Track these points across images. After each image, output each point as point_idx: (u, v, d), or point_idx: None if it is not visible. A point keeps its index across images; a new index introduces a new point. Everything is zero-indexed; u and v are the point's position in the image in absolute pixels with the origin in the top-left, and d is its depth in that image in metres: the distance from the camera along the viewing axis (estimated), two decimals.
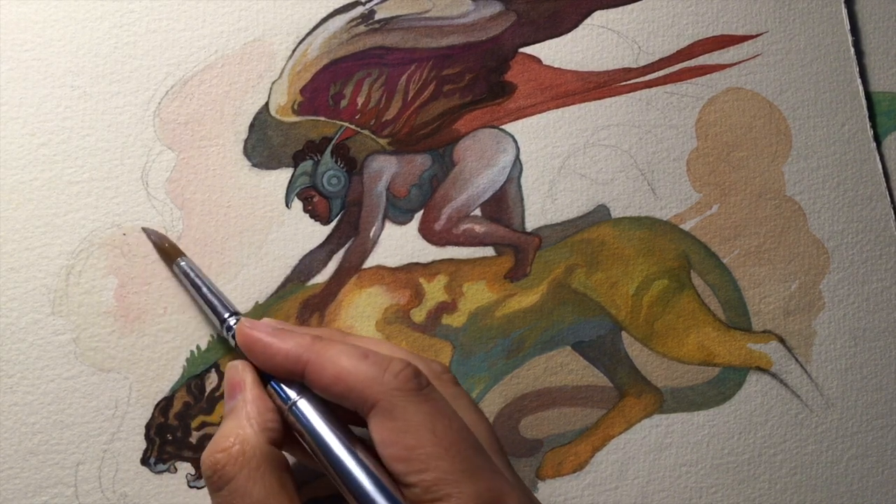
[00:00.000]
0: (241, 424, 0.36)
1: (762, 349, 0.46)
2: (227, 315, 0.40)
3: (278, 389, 0.37)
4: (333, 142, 0.45)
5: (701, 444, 0.45)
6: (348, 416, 0.37)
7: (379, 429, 0.35)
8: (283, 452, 0.36)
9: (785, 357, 0.46)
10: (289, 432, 0.37)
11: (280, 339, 0.37)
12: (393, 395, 0.35)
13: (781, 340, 0.46)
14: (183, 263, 0.42)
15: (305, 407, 0.37)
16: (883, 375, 0.47)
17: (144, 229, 0.43)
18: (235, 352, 0.40)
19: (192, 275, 0.42)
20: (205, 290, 0.41)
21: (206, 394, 0.43)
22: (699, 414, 0.46)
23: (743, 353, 0.46)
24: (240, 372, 0.38)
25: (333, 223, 0.45)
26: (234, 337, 0.39)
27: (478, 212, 0.46)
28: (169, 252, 0.43)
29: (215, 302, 0.41)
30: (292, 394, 0.37)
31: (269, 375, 0.38)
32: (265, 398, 0.37)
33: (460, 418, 0.36)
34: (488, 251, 0.46)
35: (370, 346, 0.38)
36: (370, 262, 0.45)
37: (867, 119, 0.49)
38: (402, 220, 0.45)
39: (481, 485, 0.34)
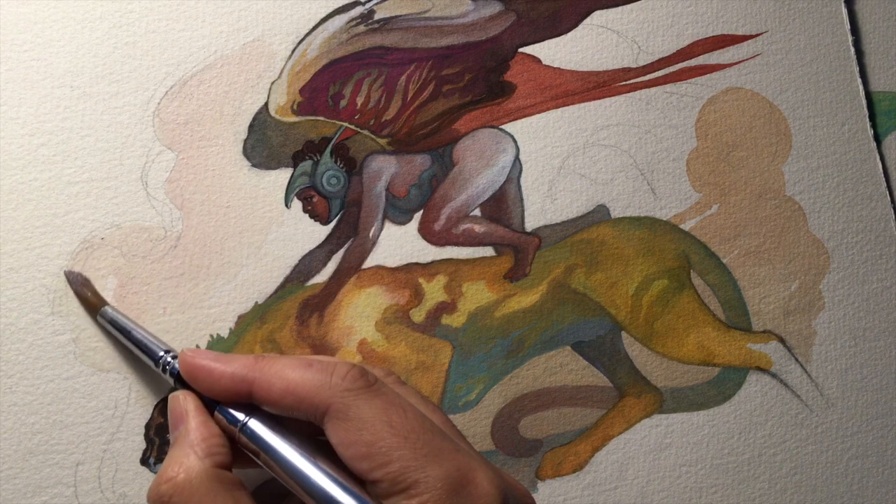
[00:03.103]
0: (186, 453, 0.36)
1: (762, 349, 0.46)
2: (161, 353, 0.40)
3: (226, 414, 0.37)
4: (333, 142, 0.45)
5: (701, 444, 0.45)
6: (302, 431, 0.37)
7: (335, 431, 0.35)
8: (236, 472, 0.36)
9: (785, 357, 0.46)
10: (240, 456, 0.37)
11: (223, 363, 0.37)
12: (344, 396, 0.35)
13: (781, 340, 0.46)
14: (109, 311, 0.42)
15: (256, 426, 0.36)
16: (883, 375, 0.47)
17: (67, 274, 0.42)
18: (176, 388, 0.39)
19: (119, 321, 0.41)
20: (135, 333, 0.41)
21: None
22: (699, 414, 0.45)
23: (743, 353, 0.46)
24: (181, 402, 0.38)
25: (333, 223, 0.45)
26: (171, 374, 0.39)
27: (477, 212, 0.46)
28: (91, 301, 0.42)
29: (148, 342, 0.40)
30: (240, 416, 0.37)
31: (214, 403, 0.37)
32: (209, 424, 0.37)
33: (413, 407, 0.36)
34: (488, 251, 0.46)
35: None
36: (370, 262, 0.45)
37: (867, 119, 0.49)
38: (402, 220, 0.45)
39: (447, 465, 0.34)
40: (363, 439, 0.34)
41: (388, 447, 0.34)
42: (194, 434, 0.36)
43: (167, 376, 0.39)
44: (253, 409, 0.37)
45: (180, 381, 0.38)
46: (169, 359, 0.39)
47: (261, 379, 0.36)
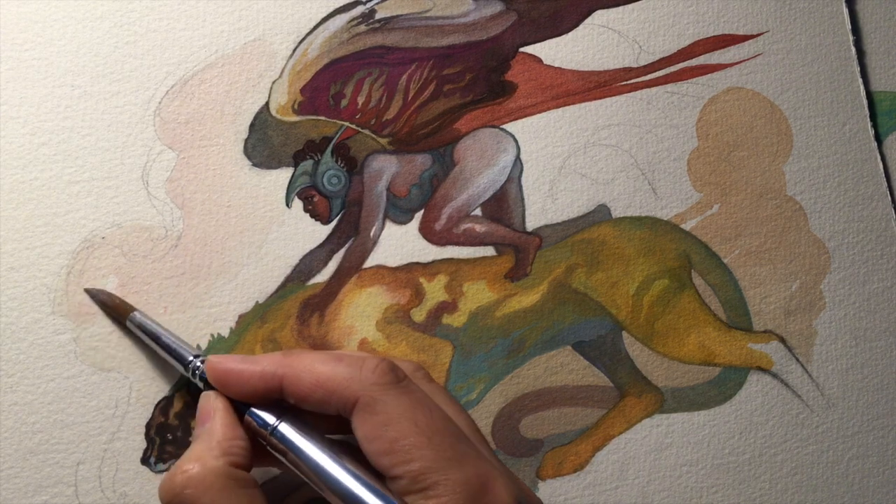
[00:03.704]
0: (205, 448, 0.36)
1: (763, 349, 0.46)
2: (191, 358, 0.40)
3: (257, 418, 0.37)
4: (334, 141, 0.45)
5: (701, 444, 0.45)
6: (331, 433, 0.37)
7: (361, 425, 0.35)
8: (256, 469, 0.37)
9: (786, 357, 0.46)
10: (262, 457, 0.38)
11: (251, 364, 0.37)
12: (372, 390, 0.35)
13: (782, 340, 0.46)
14: (137, 316, 0.42)
15: (287, 429, 0.37)
16: (884, 375, 0.47)
17: (88, 290, 0.42)
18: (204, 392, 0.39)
19: (148, 326, 0.41)
20: (164, 338, 0.41)
21: None
22: (700, 414, 0.45)
23: (743, 353, 0.46)
24: (212, 401, 0.38)
25: (333, 223, 0.45)
26: (201, 378, 0.39)
27: (478, 211, 0.46)
28: (120, 309, 0.42)
29: (176, 347, 0.40)
30: (271, 419, 0.37)
31: (245, 406, 0.38)
32: (234, 426, 0.37)
33: (440, 408, 0.36)
34: (489, 251, 0.46)
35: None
36: (370, 262, 0.45)
37: (868, 118, 0.49)
38: (403, 219, 0.45)
39: (467, 471, 0.34)
40: (388, 435, 0.34)
41: (411, 446, 0.34)
42: (218, 433, 0.36)
43: (197, 380, 0.39)
44: (282, 412, 0.37)
45: (209, 386, 0.39)
46: (198, 363, 0.39)
47: (290, 374, 0.37)
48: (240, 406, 0.38)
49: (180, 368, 0.40)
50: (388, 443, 0.34)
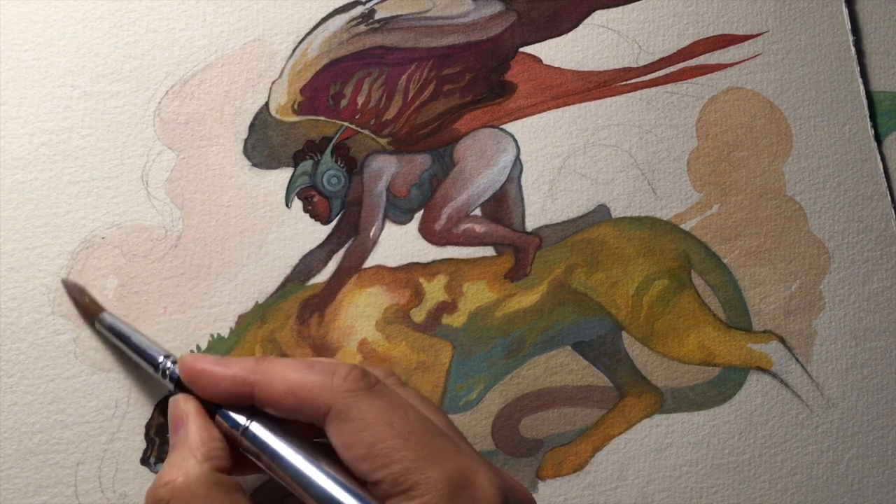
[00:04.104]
0: (185, 456, 0.35)
1: (763, 349, 0.46)
2: (161, 358, 0.39)
3: (227, 418, 0.37)
4: (333, 141, 0.45)
5: (701, 444, 0.45)
6: (303, 434, 0.37)
7: (337, 432, 0.35)
8: (235, 477, 0.36)
9: (785, 357, 0.46)
10: (241, 459, 0.37)
11: (224, 366, 0.37)
12: (345, 397, 0.35)
13: (782, 340, 0.46)
14: (106, 318, 0.41)
15: (258, 429, 0.36)
16: (884, 375, 0.47)
17: (64, 282, 0.42)
18: (175, 393, 0.39)
19: (118, 327, 0.41)
20: (134, 339, 0.40)
21: None
22: (699, 414, 0.45)
23: (743, 353, 0.46)
24: (182, 405, 0.38)
25: (333, 223, 0.45)
26: (171, 379, 0.39)
27: (478, 212, 0.46)
28: (88, 309, 0.42)
29: (146, 348, 0.40)
30: (242, 419, 0.37)
31: (215, 406, 0.37)
32: (210, 428, 0.37)
33: (415, 408, 0.36)
34: (488, 251, 0.46)
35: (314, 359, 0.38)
36: (370, 262, 0.45)
37: (868, 119, 0.49)
38: (402, 219, 0.45)
39: (448, 466, 0.34)
40: (364, 440, 0.34)
41: (389, 448, 0.34)
42: (194, 438, 0.36)
43: (167, 381, 0.39)
44: (254, 412, 0.37)
45: (180, 387, 0.38)
46: (169, 364, 0.39)
47: (262, 381, 0.36)
48: (210, 408, 0.37)
49: (150, 370, 0.40)
50: (366, 447, 0.34)
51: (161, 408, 0.42)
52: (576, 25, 0.48)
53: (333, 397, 0.35)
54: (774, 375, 0.46)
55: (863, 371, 0.47)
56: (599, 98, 0.47)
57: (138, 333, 0.41)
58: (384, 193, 0.45)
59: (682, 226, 0.47)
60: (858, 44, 0.49)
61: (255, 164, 0.45)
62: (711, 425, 0.45)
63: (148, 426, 0.42)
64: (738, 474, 0.45)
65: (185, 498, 0.34)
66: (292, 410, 0.36)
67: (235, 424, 0.37)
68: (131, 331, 0.41)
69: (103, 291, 0.43)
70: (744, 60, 0.48)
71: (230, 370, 0.37)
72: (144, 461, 0.42)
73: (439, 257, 0.45)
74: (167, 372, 0.39)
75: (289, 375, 0.36)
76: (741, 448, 0.45)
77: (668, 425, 0.45)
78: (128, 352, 0.41)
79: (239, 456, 0.37)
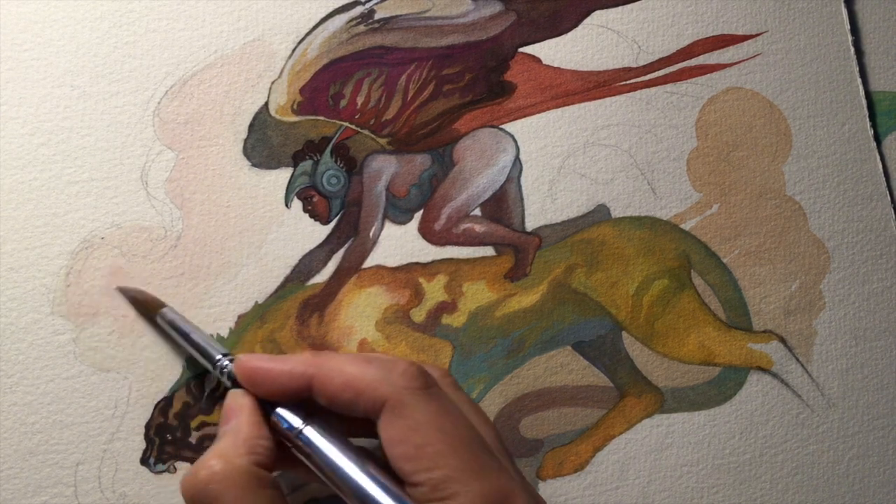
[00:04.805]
0: (229, 445, 0.36)
1: (763, 349, 0.46)
2: (218, 357, 0.40)
3: (283, 419, 0.37)
4: (333, 141, 0.45)
5: (702, 444, 0.45)
6: (354, 435, 0.37)
7: (388, 427, 0.35)
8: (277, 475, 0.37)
9: (786, 357, 0.46)
10: (284, 458, 0.37)
11: (280, 363, 0.37)
12: (401, 393, 0.35)
13: (782, 340, 0.46)
14: (167, 313, 0.42)
15: (312, 433, 0.37)
16: (884, 375, 0.47)
17: (121, 288, 0.42)
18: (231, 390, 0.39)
19: (178, 323, 0.41)
20: (193, 336, 0.41)
21: (206, 394, 0.43)
22: (700, 414, 0.45)
23: (743, 353, 0.46)
24: (239, 399, 0.38)
25: (333, 223, 0.45)
26: (229, 377, 0.39)
27: (478, 211, 0.46)
28: (150, 304, 0.42)
29: (205, 346, 0.40)
30: (298, 422, 0.37)
31: (271, 407, 0.38)
32: (260, 425, 0.37)
33: (466, 417, 0.36)
34: (488, 251, 0.46)
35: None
36: (370, 262, 0.45)
37: (867, 119, 0.49)
38: (402, 219, 0.45)
39: (489, 483, 0.34)
40: (413, 440, 0.34)
41: (435, 453, 0.34)
42: (243, 431, 0.36)
43: (225, 379, 0.39)
44: (308, 416, 0.37)
45: (237, 386, 0.38)
46: (226, 362, 0.39)
47: (320, 374, 0.36)
48: (266, 407, 0.38)
49: (208, 366, 0.40)
50: (413, 448, 0.34)
51: (161, 408, 0.42)
52: (575, 25, 0.48)
53: (390, 392, 0.35)
54: (775, 375, 0.46)
55: (863, 371, 0.47)
56: (599, 98, 0.47)
57: (198, 330, 0.41)
58: (384, 193, 0.45)
59: (682, 226, 0.47)
60: (858, 44, 0.49)
61: (254, 164, 0.45)
62: (712, 425, 0.45)
63: (148, 426, 0.42)
64: (738, 474, 0.45)
65: (223, 484, 0.34)
66: (349, 404, 0.36)
67: (291, 427, 0.37)
68: (191, 327, 0.41)
69: (103, 292, 0.43)
70: (743, 60, 0.48)
71: (287, 365, 0.37)
72: (144, 461, 0.42)
73: (439, 257, 0.45)
74: (224, 371, 0.39)
75: (347, 369, 0.36)
76: (742, 448, 0.45)
77: (668, 425, 0.45)
78: (187, 347, 0.41)
79: (283, 455, 0.37)
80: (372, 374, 0.36)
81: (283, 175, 0.45)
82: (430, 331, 0.45)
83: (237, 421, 0.37)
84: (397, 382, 0.36)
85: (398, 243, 0.45)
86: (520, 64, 0.47)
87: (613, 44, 0.48)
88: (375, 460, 0.36)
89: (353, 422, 0.37)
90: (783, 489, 0.45)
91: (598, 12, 0.48)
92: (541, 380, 0.45)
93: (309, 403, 0.37)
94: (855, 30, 0.49)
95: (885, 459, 0.46)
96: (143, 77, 0.44)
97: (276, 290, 0.44)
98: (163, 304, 0.42)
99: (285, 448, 0.37)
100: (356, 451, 0.36)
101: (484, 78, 0.47)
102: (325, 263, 0.44)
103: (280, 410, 0.37)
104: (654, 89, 0.47)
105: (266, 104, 0.45)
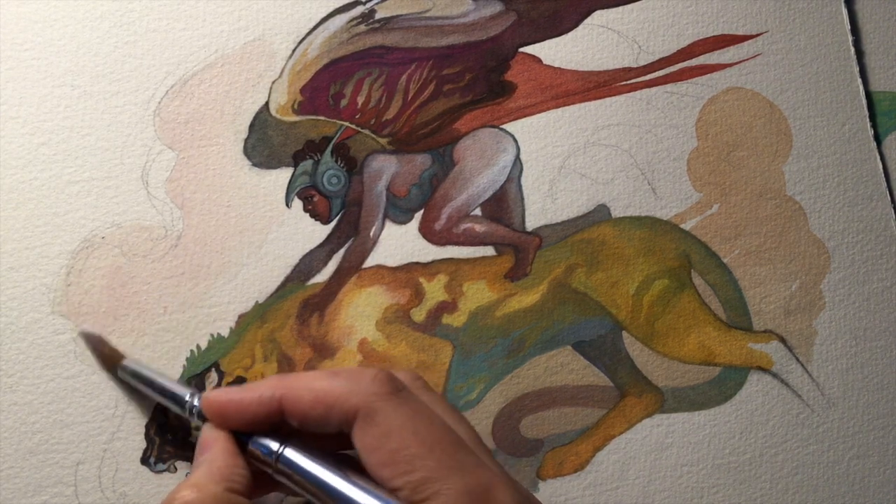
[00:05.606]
0: (203, 475, 0.35)
1: (763, 349, 0.46)
2: (187, 396, 0.39)
3: (260, 446, 0.37)
4: (333, 141, 0.45)
5: (702, 444, 0.45)
6: (332, 453, 0.37)
7: (362, 436, 0.35)
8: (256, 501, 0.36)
9: (786, 357, 0.46)
10: (263, 485, 0.37)
11: (248, 391, 0.37)
12: (372, 401, 0.35)
13: (782, 340, 0.46)
14: (128, 364, 0.41)
15: (292, 454, 0.36)
16: (884, 375, 0.47)
17: (82, 333, 0.42)
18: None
19: (141, 372, 0.41)
20: (158, 381, 0.40)
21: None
22: (700, 414, 0.45)
23: (744, 353, 0.46)
24: (213, 431, 0.37)
25: (333, 223, 0.45)
26: (200, 417, 0.38)
27: (478, 211, 0.46)
28: (110, 356, 0.42)
29: (172, 389, 0.40)
30: (275, 445, 0.36)
31: (247, 438, 0.37)
32: (234, 454, 0.37)
33: (440, 417, 0.36)
34: (488, 251, 0.46)
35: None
36: (370, 262, 0.45)
37: (867, 119, 0.49)
38: (403, 219, 0.45)
39: (469, 478, 0.34)
40: (388, 446, 0.34)
41: (411, 455, 0.34)
42: (218, 460, 0.36)
43: (196, 419, 0.38)
44: (285, 439, 0.37)
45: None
46: (196, 402, 0.38)
47: (289, 394, 0.36)
48: (242, 439, 0.37)
49: (178, 410, 0.39)
50: (389, 453, 0.34)
51: (161, 408, 0.42)
52: (576, 25, 0.48)
53: (361, 401, 0.35)
54: (775, 375, 0.46)
55: (863, 371, 0.47)
56: (599, 98, 0.47)
57: (161, 376, 0.40)
58: (384, 193, 0.45)
59: (682, 226, 0.47)
60: (858, 44, 0.49)
61: (255, 164, 0.45)
62: (712, 425, 0.45)
63: (148, 426, 0.42)
64: (738, 474, 0.45)
65: None
66: (321, 419, 0.36)
67: (269, 452, 0.36)
68: (154, 374, 0.41)
69: (103, 291, 0.43)
70: (743, 60, 0.48)
71: (255, 393, 0.37)
72: (144, 461, 0.42)
73: (439, 257, 0.45)
74: (194, 411, 0.38)
75: (315, 385, 0.36)
76: (742, 448, 0.45)
77: (668, 425, 0.45)
78: (154, 396, 0.40)
79: (262, 483, 0.37)
80: (341, 385, 0.36)
81: (283, 175, 0.45)
82: (431, 330, 0.45)
83: (211, 452, 0.37)
84: (367, 391, 0.35)
85: (398, 243, 0.45)
86: (520, 64, 0.47)
87: (614, 44, 0.48)
88: (358, 467, 0.36)
89: (329, 439, 0.37)
90: (783, 489, 0.45)
91: (598, 12, 0.48)
92: (541, 379, 0.45)
93: (282, 429, 0.37)
94: (855, 30, 0.49)
95: (885, 459, 0.46)
96: (143, 77, 0.44)
97: (277, 290, 0.44)
98: (122, 356, 0.42)
99: (264, 476, 0.37)
100: (338, 462, 0.36)
101: (484, 78, 0.47)
102: (325, 263, 0.44)
103: (256, 438, 0.37)
104: (654, 89, 0.47)
105: (266, 104, 0.45)
